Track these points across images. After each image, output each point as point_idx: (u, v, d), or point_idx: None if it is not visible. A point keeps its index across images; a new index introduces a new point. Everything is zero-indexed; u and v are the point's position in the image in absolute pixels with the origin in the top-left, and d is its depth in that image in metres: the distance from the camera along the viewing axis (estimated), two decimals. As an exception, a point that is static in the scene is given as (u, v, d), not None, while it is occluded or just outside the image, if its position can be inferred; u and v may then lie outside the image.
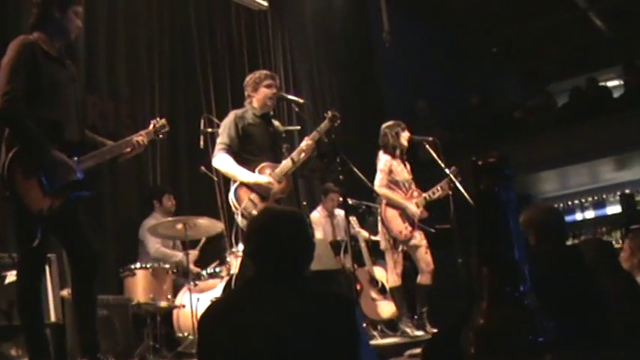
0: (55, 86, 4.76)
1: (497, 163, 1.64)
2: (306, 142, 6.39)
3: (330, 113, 6.46)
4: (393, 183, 7.67)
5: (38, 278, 4.87)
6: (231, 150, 6.27)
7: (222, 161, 6.27)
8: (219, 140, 6.36)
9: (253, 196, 6.10)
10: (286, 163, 6.28)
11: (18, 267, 4.81)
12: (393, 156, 7.70)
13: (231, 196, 6.16)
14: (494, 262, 1.61)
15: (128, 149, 5.19)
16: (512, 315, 1.58)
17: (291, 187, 6.44)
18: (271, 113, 6.62)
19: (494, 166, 1.64)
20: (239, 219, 6.14)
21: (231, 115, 6.44)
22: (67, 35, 4.98)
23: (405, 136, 7.75)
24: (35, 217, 4.54)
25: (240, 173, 6.17)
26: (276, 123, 6.67)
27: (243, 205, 6.05)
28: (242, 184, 6.14)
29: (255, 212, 5.97)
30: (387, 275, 7.94)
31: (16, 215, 4.68)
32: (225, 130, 6.36)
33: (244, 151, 6.31)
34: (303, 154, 6.38)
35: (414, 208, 7.64)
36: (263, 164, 6.23)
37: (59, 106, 4.76)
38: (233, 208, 6.16)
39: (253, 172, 6.17)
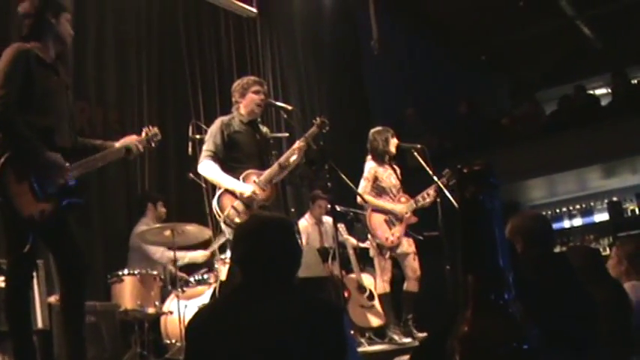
0: (48, 93, 4.76)
1: (482, 170, 1.65)
2: (295, 147, 6.39)
3: (318, 120, 6.46)
4: (379, 190, 7.68)
5: (28, 284, 4.84)
6: (217, 157, 6.25)
7: (208, 168, 6.25)
8: (205, 147, 6.34)
9: (237, 203, 6.08)
10: (272, 170, 6.28)
11: (7, 273, 4.76)
12: (380, 162, 7.72)
13: (214, 203, 6.13)
14: (478, 270, 1.62)
15: (123, 154, 5.24)
16: (497, 323, 1.59)
17: (278, 193, 6.43)
18: (259, 119, 6.61)
19: (480, 173, 1.65)
20: (222, 226, 6.13)
21: (218, 123, 6.42)
22: (62, 41, 4.99)
23: (393, 143, 7.77)
24: (26, 222, 4.52)
25: (224, 180, 6.16)
26: (264, 129, 6.66)
27: (226, 213, 6.03)
28: (226, 191, 6.12)
29: (238, 220, 5.99)
30: (375, 282, 7.95)
31: (6, 220, 4.63)
32: (211, 137, 6.34)
33: (230, 159, 6.29)
34: (292, 159, 6.38)
35: (399, 207, 7.66)
36: (248, 171, 6.21)
37: (51, 113, 4.76)
38: (216, 216, 6.15)
39: (239, 179, 6.16)
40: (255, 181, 6.16)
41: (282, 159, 6.33)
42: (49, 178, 4.58)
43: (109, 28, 8.67)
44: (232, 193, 6.11)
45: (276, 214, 3.68)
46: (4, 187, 4.47)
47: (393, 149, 7.78)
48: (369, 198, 7.56)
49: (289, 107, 6.93)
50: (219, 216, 6.07)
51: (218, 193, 6.16)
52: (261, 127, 6.61)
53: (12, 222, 4.60)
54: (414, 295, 7.68)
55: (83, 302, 4.97)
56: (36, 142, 4.57)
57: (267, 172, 6.26)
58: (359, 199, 7.49)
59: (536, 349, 1.60)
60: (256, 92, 6.44)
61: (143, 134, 5.43)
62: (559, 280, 4.06)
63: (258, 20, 11.01)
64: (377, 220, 7.61)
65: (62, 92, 4.92)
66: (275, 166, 6.28)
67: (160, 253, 7.79)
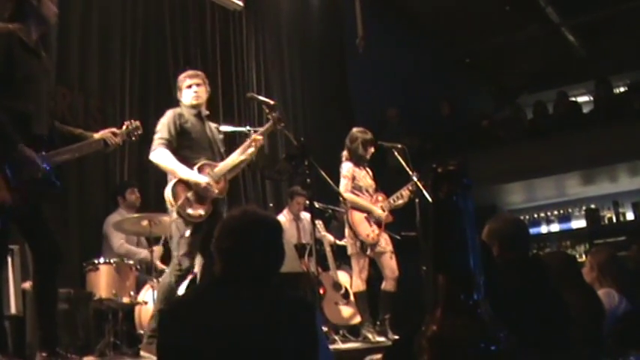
0: (28, 78, 4.71)
1: (456, 171, 1.66)
2: (252, 139, 6.41)
3: (274, 115, 6.48)
4: (356, 189, 7.70)
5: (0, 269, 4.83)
6: (170, 145, 6.18)
7: (162, 156, 6.17)
8: (157, 135, 6.23)
9: (190, 194, 6.06)
10: (226, 163, 6.29)
11: None
12: (356, 164, 7.75)
13: (167, 192, 6.06)
14: (448, 270, 1.63)
15: (101, 147, 5.21)
16: (465, 323, 1.60)
17: (239, 188, 6.41)
18: (207, 112, 6.59)
19: (454, 173, 1.66)
20: (174, 216, 6.08)
21: (170, 113, 6.36)
22: (46, 22, 4.95)
23: (371, 151, 7.83)
24: None
25: (180, 170, 6.10)
26: (212, 124, 6.64)
27: (180, 203, 6.00)
28: (180, 181, 6.09)
29: (190, 211, 5.99)
30: (351, 280, 7.96)
31: None
32: (164, 126, 6.26)
33: (183, 148, 6.24)
34: (249, 152, 6.41)
35: (379, 211, 7.69)
36: (202, 162, 6.19)
37: (31, 99, 4.71)
38: (168, 205, 6.10)
39: (193, 169, 6.14)
40: (209, 173, 6.14)
41: (235, 154, 6.35)
42: (22, 169, 4.53)
43: (93, 15, 8.63)
44: (186, 183, 6.08)
45: (267, 213, 3.66)
46: None
47: (368, 156, 7.83)
48: (349, 196, 7.58)
49: (271, 102, 6.93)
50: (172, 205, 6.03)
51: (172, 182, 6.10)
52: (208, 122, 6.58)
53: None
54: (392, 294, 7.70)
55: (56, 288, 4.96)
56: (11, 133, 4.51)
57: (221, 165, 6.28)
58: (341, 197, 7.52)
59: (504, 351, 1.61)
60: (188, 87, 6.45)
61: (124, 127, 5.42)
62: (534, 283, 4.09)
63: (244, 14, 10.99)
64: (358, 217, 7.63)
65: (42, 77, 4.88)
66: (228, 161, 6.31)
67: (118, 244, 7.78)
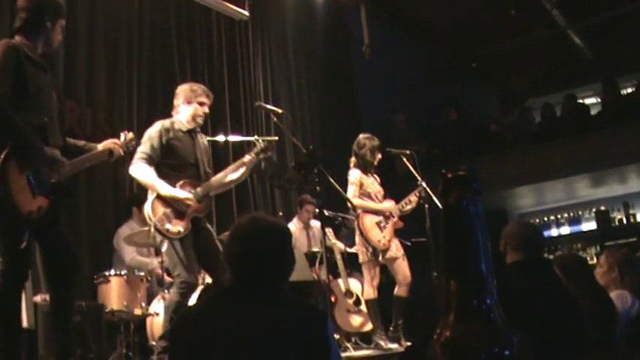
0: (39, 92, 4.73)
1: (466, 176, 1.66)
2: (245, 160, 6.38)
3: (259, 146, 6.46)
4: (364, 195, 7.69)
5: (22, 284, 4.79)
6: (152, 161, 6.06)
7: (141, 171, 6.05)
8: (140, 149, 6.08)
9: (169, 210, 5.98)
10: (210, 183, 6.23)
11: (3, 272, 4.69)
12: (364, 170, 7.74)
13: (147, 206, 5.99)
14: (460, 275, 1.62)
15: (107, 157, 5.25)
16: (479, 328, 1.59)
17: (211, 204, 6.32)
18: (198, 129, 6.45)
19: (463, 179, 1.66)
20: (152, 230, 6.04)
21: (158, 126, 6.23)
22: (51, 45, 4.97)
23: (378, 157, 7.81)
24: (25, 219, 4.48)
25: (159, 185, 5.99)
26: (203, 138, 6.53)
27: (157, 218, 5.96)
28: (159, 196, 5.99)
29: (169, 226, 5.93)
30: (363, 287, 7.95)
31: (4, 217, 4.54)
32: (148, 140, 6.13)
33: (165, 165, 6.14)
34: (239, 173, 6.38)
35: (388, 204, 7.70)
36: (184, 181, 6.09)
37: (44, 112, 4.74)
38: (147, 219, 6.05)
39: (173, 187, 6.03)
40: (191, 192, 6.08)
41: (222, 174, 6.32)
42: (44, 174, 4.57)
43: (99, 28, 8.66)
44: (165, 200, 5.99)
45: (277, 220, 3.63)
46: (7, 183, 4.40)
47: (376, 162, 7.81)
48: (358, 201, 7.58)
49: (279, 110, 6.93)
50: (150, 219, 5.97)
51: (152, 197, 6.00)
52: (200, 136, 6.46)
53: (9, 218, 4.52)
54: (405, 300, 7.69)
55: (73, 300, 4.96)
56: (34, 137, 4.55)
57: (205, 185, 6.18)
58: (350, 203, 7.51)
59: (518, 355, 1.61)
60: (201, 104, 6.33)
61: (122, 138, 5.45)
62: (546, 286, 4.09)
63: (250, 24, 11.00)
64: (369, 223, 7.62)
65: (51, 91, 4.90)
66: (214, 180, 6.25)
67: (130, 257, 7.78)
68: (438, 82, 14.74)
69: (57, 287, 4.82)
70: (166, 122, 6.28)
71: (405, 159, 7.84)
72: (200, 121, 6.37)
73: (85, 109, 8.24)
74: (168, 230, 5.94)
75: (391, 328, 7.70)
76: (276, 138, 8.33)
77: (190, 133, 6.31)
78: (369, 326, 8.07)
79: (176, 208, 6.00)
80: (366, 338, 8.23)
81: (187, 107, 6.32)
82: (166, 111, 8.96)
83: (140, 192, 8.34)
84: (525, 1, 14.04)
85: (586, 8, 14.53)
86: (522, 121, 14.02)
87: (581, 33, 15.79)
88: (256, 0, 11.00)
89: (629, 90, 14.43)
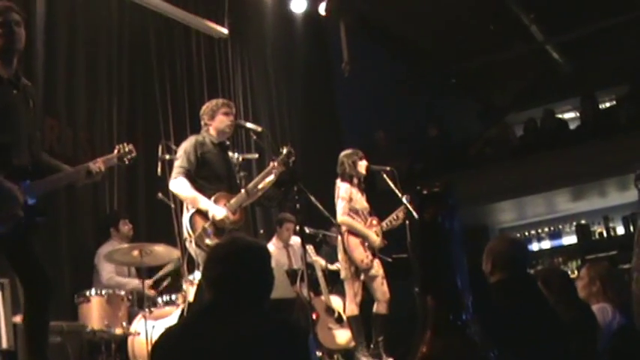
0: (5, 110, 4.64)
1: (441, 192, 1.66)
2: (270, 167, 6.41)
3: (286, 149, 6.50)
4: (353, 211, 7.67)
5: None
6: (190, 175, 6.23)
7: (181, 185, 6.22)
8: (177, 164, 6.29)
9: (208, 225, 6.07)
10: (241, 195, 6.29)
11: None
12: (351, 184, 7.72)
13: (185, 222, 6.10)
14: (436, 291, 1.63)
15: (84, 177, 5.11)
16: (455, 343, 1.60)
17: (248, 217, 6.42)
18: (228, 143, 6.61)
19: (439, 195, 1.67)
20: (192, 246, 6.09)
21: (192, 140, 6.41)
22: (13, 47, 4.75)
23: (362, 165, 7.75)
24: None
25: (200, 200, 6.13)
26: (230, 154, 6.67)
27: (198, 234, 6.00)
28: (198, 211, 6.10)
29: (208, 242, 5.97)
30: (344, 304, 7.93)
31: None
32: (185, 154, 6.31)
33: (201, 178, 6.28)
34: (268, 180, 6.41)
35: (374, 236, 7.66)
36: (218, 194, 6.20)
37: (9, 131, 4.64)
38: (186, 235, 6.11)
39: (209, 200, 6.13)
40: (226, 205, 6.14)
41: (253, 184, 6.35)
42: (2, 203, 4.45)
43: (79, 46, 8.61)
44: (204, 214, 6.09)
45: (255, 240, 3.67)
46: None
47: (362, 171, 7.76)
48: (347, 219, 7.54)
49: (259, 128, 6.94)
50: (190, 236, 6.04)
51: (190, 212, 6.12)
52: (228, 152, 6.63)
53: None
54: (384, 317, 7.67)
55: (47, 321, 4.91)
56: None
57: (237, 197, 6.27)
58: (338, 220, 7.49)
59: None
60: (225, 114, 6.46)
61: (115, 151, 5.37)
62: (529, 302, 4.10)
63: (229, 41, 11.01)
64: (354, 242, 7.57)
65: (21, 107, 4.78)
66: (243, 193, 6.30)
67: (107, 277, 7.72)
68: (418, 98, 14.79)
69: (30, 308, 4.77)
70: (199, 137, 6.48)
71: (385, 176, 7.83)
72: (229, 130, 6.53)
73: (65, 127, 8.18)
74: (208, 246, 5.98)
75: (372, 346, 7.67)
76: (257, 156, 8.34)
77: (221, 146, 6.49)
78: (351, 343, 8.05)
79: (215, 222, 6.11)
80: (348, 355, 8.21)
81: (213, 122, 6.49)
82: (146, 128, 9.03)
83: (114, 211, 8.36)
84: (504, 16, 14.11)
85: (564, 24, 14.62)
86: (502, 136, 14.08)
87: (559, 48, 15.89)
88: (236, 18, 11.02)
89: (608, 104, 14.55)
